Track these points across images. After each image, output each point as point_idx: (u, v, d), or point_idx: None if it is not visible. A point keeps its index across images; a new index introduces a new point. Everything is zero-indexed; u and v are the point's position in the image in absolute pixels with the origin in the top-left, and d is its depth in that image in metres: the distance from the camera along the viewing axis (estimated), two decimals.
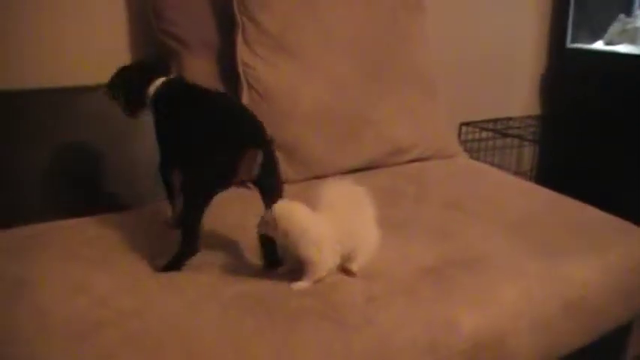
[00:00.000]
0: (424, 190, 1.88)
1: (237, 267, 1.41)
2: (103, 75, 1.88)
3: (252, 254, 1.45)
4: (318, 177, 1.89)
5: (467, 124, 2.73)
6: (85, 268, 1.41)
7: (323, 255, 1.31)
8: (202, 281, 1.35)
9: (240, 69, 1.90)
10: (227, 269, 1.40)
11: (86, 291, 1.31)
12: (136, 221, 1.65)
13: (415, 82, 2.16)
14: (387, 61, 2.11)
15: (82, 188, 1.81)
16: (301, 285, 1.32)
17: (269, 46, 1.92)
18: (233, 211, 1.59)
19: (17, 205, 1.73)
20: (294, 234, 1.29)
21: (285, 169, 1.87)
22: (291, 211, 1.31)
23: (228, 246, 1.49)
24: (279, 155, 1.85)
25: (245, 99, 1.88)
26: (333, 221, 1.33)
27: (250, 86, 1.89)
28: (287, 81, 1.93)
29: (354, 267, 1.37)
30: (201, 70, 1.92)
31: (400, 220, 1.64)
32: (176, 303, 1.27)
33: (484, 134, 2.75)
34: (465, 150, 2.42)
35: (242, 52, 1.90)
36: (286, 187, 1.47)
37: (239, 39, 1.90)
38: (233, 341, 1.16)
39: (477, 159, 2.62)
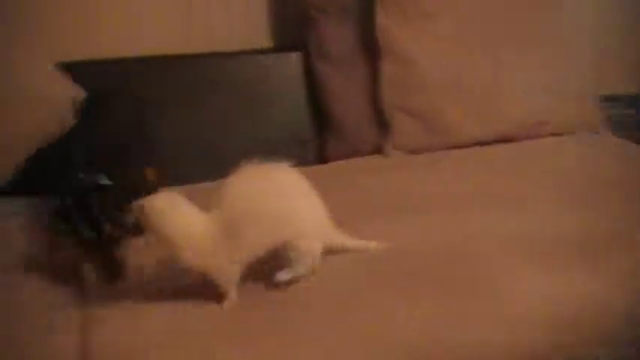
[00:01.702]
0: (563, 166, 1.79)
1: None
2: (244, 42, 1.94)
3: None
4: (455, 147, 1.85)
5: (611, 98, 2.57)
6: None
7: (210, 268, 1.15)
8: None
9: (379, 34, 1.88)
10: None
11: None
12: None
13: (553, 50, 2.06)
14: (523, 28, 2.02)
15: (221, 154, 1.86)
16: (227, 304, 1.16)
17: (408, 11, 1.88)
18: None
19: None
20: (167, 239, 1.12)
21: (421, 137, 1.84)
22: (164, 207, 1.12)
23: None
24: (415, 123, 1.85)
25: (383, 65, 1.86)
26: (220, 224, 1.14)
27: (388, 52, 1.87)
28: (425, 47, 1.89)
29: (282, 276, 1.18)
30: (339, 37, 1.91)
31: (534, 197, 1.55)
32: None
33: (629, 111, 2.59)
34: (608, 126, 2.29)
35: (380, 18, 1.88)
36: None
37: (378, 4, 1.88)
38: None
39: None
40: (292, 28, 2.03)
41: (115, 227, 1.23)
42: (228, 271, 1.14)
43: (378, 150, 1.87)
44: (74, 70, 1.75)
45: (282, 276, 1.17)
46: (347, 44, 1.92)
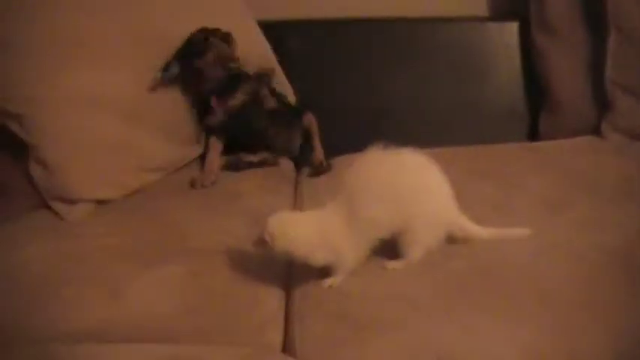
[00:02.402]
0: None
1: (590, 219, 1.31)
2: (460, 8, 1.90)
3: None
4: None
5: None
6: None
7: (338, 259, 1.15)
8: (552, 227, 1.29)
9: (609, 7, 1.75)
10: (575, 220, 1.31)
11: None
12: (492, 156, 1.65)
13: None
14: None
15: (429, 122, 1.85)
16: (332, 281, 1.17)
17: None
18: None
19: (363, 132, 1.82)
20: (295, 253, 1.13)
21: None
22: (284, 226, 1.12)
23: None
24: None
25: (611, 41, 1.74)
26: (343, 211, 1.14)
27: (618, 27, 1.74)
28: None
29: (397, 264, 1.19)
30: (563, 8, 1.81)
31: None
32: (527, 243, 1.23)
33: None
34: None
35: None
36: None
37: None
38: (588, 292, 1.10)
39: None
40: None
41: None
42: (351, 259, 1.16)
43: (595, 131, 1.76)
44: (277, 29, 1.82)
45: (393, 264, 1.19)
46: (571, 16, 1.82)
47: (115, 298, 1.16)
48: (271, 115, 1.70)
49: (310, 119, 1.77)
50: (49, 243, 1.32)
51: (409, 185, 1.15)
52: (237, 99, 1.65)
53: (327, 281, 1.17)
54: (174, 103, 1.65)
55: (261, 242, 1.12)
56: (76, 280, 1.20)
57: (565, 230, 1.27)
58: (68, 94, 1.49)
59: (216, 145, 1.68)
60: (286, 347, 1.10)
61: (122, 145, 1.55)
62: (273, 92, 1.74)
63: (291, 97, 1.83)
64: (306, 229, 1.13)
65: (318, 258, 1.13)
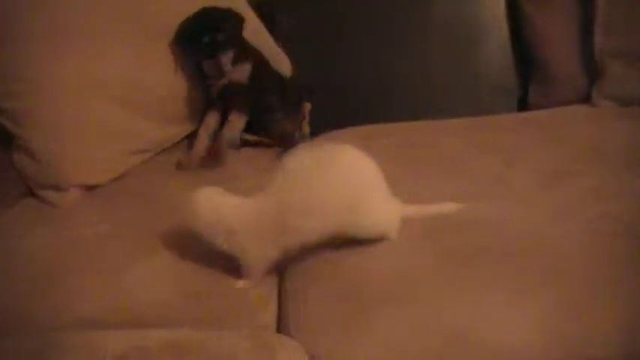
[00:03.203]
0: None
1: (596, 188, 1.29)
2: None
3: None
4: None
5: None
6: (430, 171, 1.43)
7: (241, 255, 1.12)
8: (558, 197, 1.27)
9: None
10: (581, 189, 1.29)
11: (433, 193, 1.29)
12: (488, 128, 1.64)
13: None
14: None
15: (418, 95, 1.84)
16: (243, 284, 1.15)
17: None
18: None
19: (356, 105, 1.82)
20: (202, 226, 1.11)
21: (636, 88, 1.70)
22: (202, 200, 1.11)
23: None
24: (630, 71, 1.70)
25: (599, 6, 1.71)
26: (276, 199, 1.10)
27: None
28: None
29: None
30: None
31: None
32: (534, 214, 1.22)
33: None
34: None
35: None
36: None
37: None
38: (599, 262, 1.08)
39: None
40: None
41: None
42: (253, 259, 1.13)
43: (585, 99, 1.75)
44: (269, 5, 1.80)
45: (240, 284, 1.16)
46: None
47: (114, 285, 1.15)
48: (274, 100, 1.68)
49: (306, 108, 1.76)
50: (43, 231, 1.32)
51: (342, 196, 1.09)
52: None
53: (239, 282, 1.15)
54: (159, 82, 1.61)
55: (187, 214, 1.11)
56: (74, 269, 1.20)
57: (571, 200, 1.25)
58: (51, 81, 1.47)
59: (208, 123, 1.64)
60: (281, 327, 1.09)
61: (110, 128, 1.53)
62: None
63: (288, 69, 1.80)
64: (222, 211, 1.10)
65: (218, 243, 1.11)
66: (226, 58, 1.56)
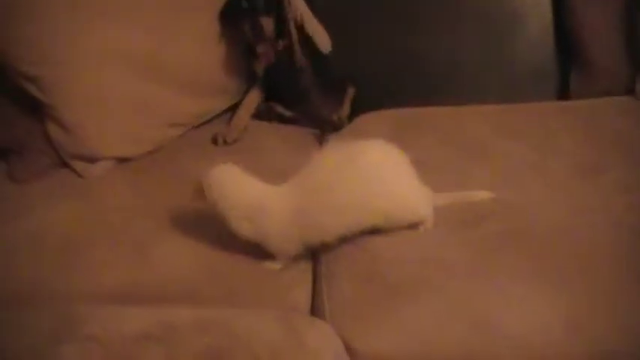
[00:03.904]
0: None
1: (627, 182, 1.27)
2: None
3: None
4: None
5: None
6: (460, 157, 1.41)
7: (264, 242, 1.10)
8: (589, 189, 1.26)
9: None
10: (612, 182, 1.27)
11: (464, 180, 1.30)
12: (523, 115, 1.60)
13: None
14: None
15: (454, 78, 1.81)
16: (271, 265, 1.13)
17: None
18: None
19: (391, 88, 1.78)
20: (222, 206, 1.09)
21: None
22: (223, 178, 1.09)
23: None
24: None
25: None
26: (299, 194, 1.09)
27: None
28: None
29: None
30: None
31: None
32: (564, 205, 1.21)
33: None
34: None
35: None
36: None
37: None
38: (626, 257, 1.07)
39: None
40: None
41: None
42: (277, 247, 1.11)
43: (629, 91, 1.69)
44: None
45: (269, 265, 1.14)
46: None
47: (140, 261, 1.15)
48: (316, 82, 1.66)
49: (351, 94, 1.72)
50: (70, 203, 1.31)
51: (373, 191, 1.09)
52: (281, 45, 1.61)
53: (267, 263, 1.13)
54: (187, 54, 1.58)
55: (198, 193, 1.09)
56: (99, 242, 1.19)
57: (602, 193, 1.24)
58: (84, 52, 1.46)
59: (251, 100, 1.64)
60: (314, 309, 1.08)
61: (141, 101, 1.52)
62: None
63: (328, 44, 1.74)
64: (245, 194, 1.09)
65: (243, 228, 1.09)
66: (267, 22, 1.56)
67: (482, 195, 1.22)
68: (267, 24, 1.56)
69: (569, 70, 1.79)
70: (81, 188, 1.38)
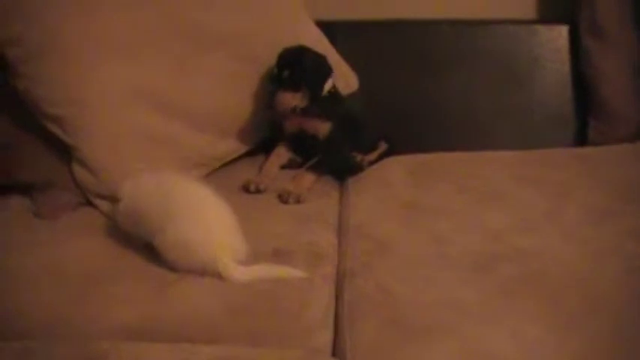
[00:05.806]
0: None
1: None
2: (507, 11, 1.86)
3: None
4: None
5: None
6: (476, 202, 1.44)
7: None
8: (602, 235, 1.28)
9: None
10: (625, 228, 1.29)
11: (480, 225, 1.33)
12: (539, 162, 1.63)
13: None
14: None
15: (472, 125, 1.84)
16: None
17: None
18: None
19: (408, 133, 1.81)
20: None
21: None
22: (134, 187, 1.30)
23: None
24: None
25: None
26: None
27: None
28: None
29: None
30: (615, 12, 1.79)
31: None
32: (576, 250, 1.22)
33: None
34: None
35: None
36: None
37: None
38: (636, 303, 1.08)
39: None
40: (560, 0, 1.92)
41: None
42: None
43: None
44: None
45: None
46: (622, 20, 1.78)
47: (159, 297, 1.15)
48: (344, 138, 1.64)
49: (383, 148, 1.73)
50: (93, 239, 1.33)
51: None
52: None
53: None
54: (208, 95, 1.60)
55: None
56: (120, 278, 1.20)
57: (614, 238, 1.26)
58: (105, 92, 1.49)
59: (281, 153, 1.65)
60: (336, 351, 1.09)
61: (163, 140, 1.54)
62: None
63: (354, 83, 1.78)
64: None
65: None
66: (285, 97, 1.54)
67: (296, 274, 1.20)
68: (285, 99, 1.55)
69: (586, 116, 1.81)
70: (103, 225, 1.40)
